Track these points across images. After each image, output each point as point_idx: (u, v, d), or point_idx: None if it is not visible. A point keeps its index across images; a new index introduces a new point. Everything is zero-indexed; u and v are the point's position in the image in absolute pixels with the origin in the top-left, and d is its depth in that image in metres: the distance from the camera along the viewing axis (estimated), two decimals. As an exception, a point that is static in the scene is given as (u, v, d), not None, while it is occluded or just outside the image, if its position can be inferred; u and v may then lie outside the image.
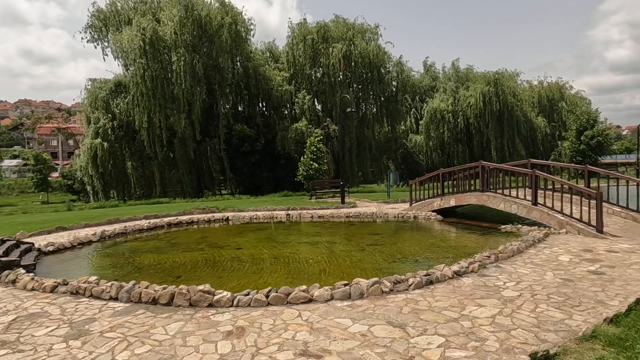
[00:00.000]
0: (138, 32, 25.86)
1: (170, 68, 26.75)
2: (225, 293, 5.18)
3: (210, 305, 5.08)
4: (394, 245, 9.60)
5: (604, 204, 10.86)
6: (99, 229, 11.57)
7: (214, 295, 5.17)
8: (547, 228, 9.90)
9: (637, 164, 34.48)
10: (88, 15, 28.74)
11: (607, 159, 39.81)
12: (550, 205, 10.22)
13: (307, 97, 35.63)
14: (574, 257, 7.33)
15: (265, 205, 17.29)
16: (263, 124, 33.84)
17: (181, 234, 11.84)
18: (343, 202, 17.38)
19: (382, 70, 38.21)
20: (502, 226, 11.01)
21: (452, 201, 12.98)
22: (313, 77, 35.90)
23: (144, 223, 12.63)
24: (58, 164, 73.19)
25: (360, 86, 37.50)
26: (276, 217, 14.31)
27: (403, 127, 47.38)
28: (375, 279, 5.63)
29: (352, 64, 35.12)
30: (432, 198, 13.81)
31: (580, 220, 9.48)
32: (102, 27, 29.32)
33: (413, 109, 46.28)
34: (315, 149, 24.02)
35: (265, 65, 33.84)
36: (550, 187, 11.26)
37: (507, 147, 39.06)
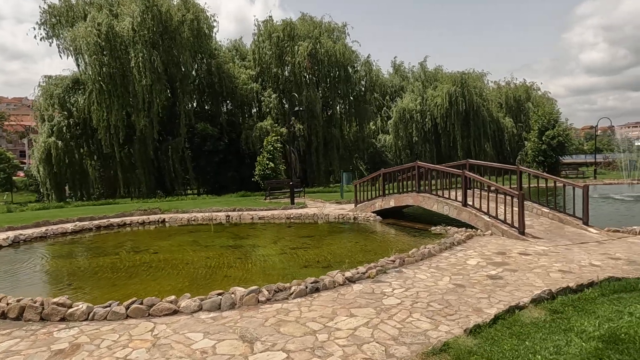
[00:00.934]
0: (93, 27, 25.05)
1: (129, 65, 25.98)
2: (81, 305, 4.82)
3: (63, 319, 4.71)
4: (319, 249, 9.35)
5: (534, 204, 10.84)
6: (15, 233, 11.00)
7: (68, 308, 4.79)
8: (474, 230, 9.80)
9: (594, 164, 35.19)
10: (40, 12, 27.74)
11: (568, 159, 40.54)
12: (479, 206, 10.12)
13: (274, 96, 35.23)
14: (482, 261, 7.18)
15: (215, 205, 16.85)
16: (227, 122, 33.29)
17: (106, 237, 11.37)
18: (292, 202, 17.09)
19: (350, 70, 38.09)
20: (433, 228, 10.88)
21: (391, 202, 12.82)
22: (280, 76, 35.48)
23: (69, 226, 12.09)
24: (25, 163, 71.00)
25: (327, 85, 37.26)
26: (215, 219, 13.92)
27: (374, 127, 47.44)
28: (254, 287, 5.34)
29: (318, 62, 34.84)
30: (374, 199, 13.63)
31: (504, 221, 9.39)
32: (56, 23, 28.31)
33: (385, 108, 46.26)
34: (271, 149, 23.68)
35: (230, 63, 33.28)
36: (486, 188, 11.18)
37: (473, 147, 39.41)
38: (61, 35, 27.62)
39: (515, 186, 11.50)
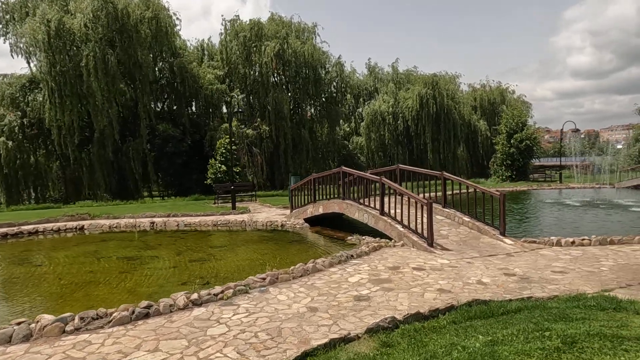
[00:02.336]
0: (42, 23, 24.16)
1: (82, 63, 25.13)
2: None
3: None
4: (219, 261, 8.74)
5: (457, 213, 10.35)
6: None
7: None
8: (386, 240, 9.26)
9: (559, 167, 35.05)
10: (-8, 8, 26.78)
11: (537, 162, 40.42)
12: (398, 215, 9.58)
13: (240, 96, 34.59)
14: (367, 277, 6.63)
15: (161, 210, 16.18)
16: (191, 123, 32.56)
17: (4, 247, 10.62)
18: (234, 207, 16.45)
19: (321, 71, 37.59)
20: (349, 237, 10.34)
21: (320, 209, 12.25)
22: (248, 76, 34.80)
23: (-31, 234, 11.33)
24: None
25: (296, 86, 36.71)
26: (140, 226, 13.23)
27: (348, 129, 47.04)
28: (67, 315, 4.71)
29: (286, 63, 34.27)
30: (306, 205, 13.06)
31: (416, 232, 8.87)
32: (9, 20, 27.36)
33: (358, 110, 45.83)
34: (224, 151, 22.97)
35: (193, 62, 32.49)
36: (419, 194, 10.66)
37: (443, 150, 39.10)
38: (12, 33, 26.69)
39: (455, 192, 11.00)
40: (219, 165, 22.84)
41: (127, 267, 8.34)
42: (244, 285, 5.95)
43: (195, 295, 5.45)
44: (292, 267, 6.85)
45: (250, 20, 34.77)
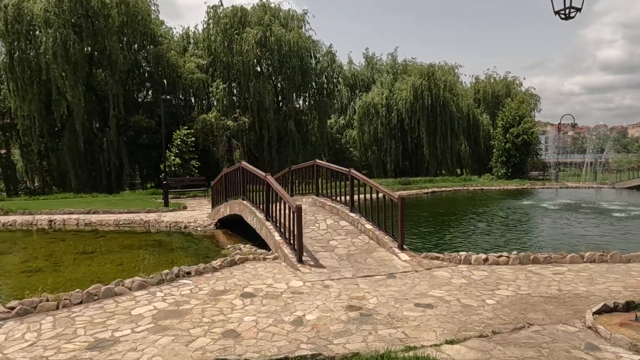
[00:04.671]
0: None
1: (42, 50, 24.12)
2: None
3: None
4: (56, 273, 7.32)
5: (361, 219, 8.66)
6: None
7: None
8: (260, 251, 7.68)
9: (557, 164, 32.42)
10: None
11: (547, 160, 37.79)
12: (281, 220, 7.95)
13: (221, 86, 33.20)
14: (161, 307, 5.09)
15: (91, 205, 14.95)
16: (169, 114, 31.30)
17: None
18: (166, 204, 15.08)
19: (311, 60, 35.87)
20: (229, 246, 8.76)
21: (228, 209, 10.71)
22: (231, 65, 33.32)
23: None
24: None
25: (282, 76, 35.07)
26: (38, 224, 11.96)
27: (343, 121, 45.25)
28: None
29: (269, 51, 32.67)
30: (220, 205, 11.54)
31: (290, 243, 7.24)
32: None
33: (353, 102, 43.91)
34: (180, 143, 21.60)
35: (172, 51, 31.18)
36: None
37: (439, 144, 36.94)
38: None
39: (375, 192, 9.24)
40: (173, 158, 21.48)
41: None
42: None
43: None
44: (72, 292, 5.34)
45: (232, 6, 33.22)
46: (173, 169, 21.27)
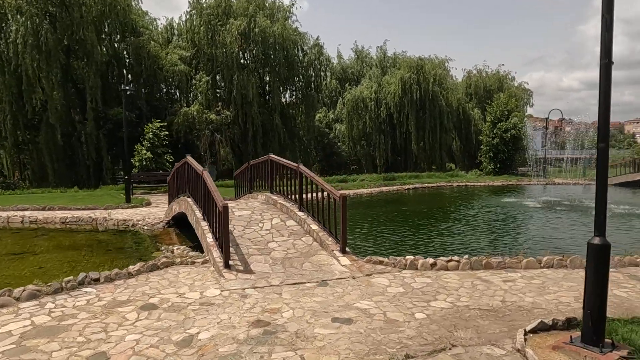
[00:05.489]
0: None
1: (14, 38, 23.34)
2: None
3: None
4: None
5: (307, 219, 8.03)
6: None
7: None
8: (190, 253, 7.05)
9: (544, 161, 31.75)
10: None
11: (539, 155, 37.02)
12: (214, 220, 7.29)
13: (204, 79, 32.47)
14: (31, 329, 4.44)
15: (53, 201, 14.32)
16: (150, 107, 30.58)
17: None
18: (127, 200, 14.42)
19: (298, 53, 35.15)
20: (175, 247, 8.12)
21: (177, 207, 10.06)
22: (214, 57, 32.54)
23: None
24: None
25: (267, 69, 34.32)
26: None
27: (332, 116, 44.55)
28: None
29: (253, 43, 31.91)
30: (173, 201, 10.89)
31: (220, 246, 6.60)
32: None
33: (341, 96, 43.17)
34: (152, 137, 20.91)
35: (152, 42, 30.37)
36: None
37: (428, 140, 36.28)
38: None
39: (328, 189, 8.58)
40: (145, 151, 20.79)
41: None
42: None
43: None
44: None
45: (216, -4, 32.40)
46: (145, 163, 20.57)
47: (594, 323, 3.62)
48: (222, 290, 5.52)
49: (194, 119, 30.40)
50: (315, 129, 38.49)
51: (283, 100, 36.04)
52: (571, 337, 3.82)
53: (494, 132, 29.81)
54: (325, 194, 7.33)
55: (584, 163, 26.47)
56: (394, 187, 21.56)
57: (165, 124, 23.98)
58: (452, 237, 9.87)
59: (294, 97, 37.45)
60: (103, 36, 28.88)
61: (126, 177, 15.36)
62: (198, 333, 4.24)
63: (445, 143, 38.34)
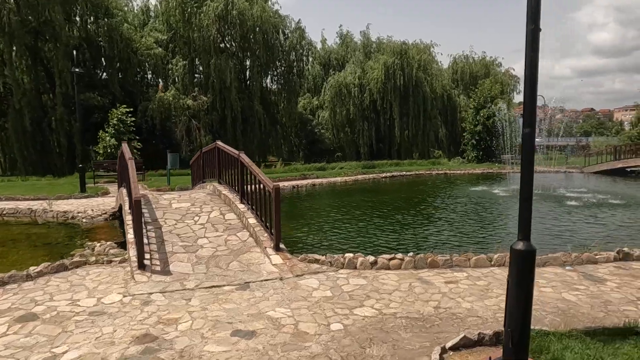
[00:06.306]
0: None
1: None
2: None
3: None
4: None
5: (246, 212, 7.37)
6: None
7: None
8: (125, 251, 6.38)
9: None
10: None
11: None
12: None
13: (181, 63, 31.51)
14: None
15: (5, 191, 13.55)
16: (124, 92, 29.53)
17: None
18: (82, 190, 13.65)
19: (279, 36, 34.25)
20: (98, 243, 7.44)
21: (119, 198, 9.36)
22: (191, 41, 31.45)
23: None
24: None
25: (246, 53, 33.36)
26: None
27: (316, 102, 43.60)
28: None
29: (231, 26, 30.90)
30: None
31: (140, 243, 5.93)
32: None
33: (325, 82, 42.24)
34: (116, 123, 20.04)
35: (125, 25, 29.18)
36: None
37: (411, 126, 35.65)
38: None
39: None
40: (109, 138, 19.94)
41: None
42: None
43: None
44: None
45: (192, -23, 31.16)
46: (109, 150, 19.73)
47: (515, 344, 3.04)
48: (124, 296, 4.88)
49: (169, 105, 29.46)
50: (297, 116, 37.70)
51: (264, 86, 35.09)
52: (490, 358, 3.24)
53: (477, 119, 29.26)
54: (262, 185, 6.67)
55: (567, 151, 26.02)
56: (371, 176, 20.96)
57: (132, 109, 23.02)
58: (408, 230, 9.30)
59: (275, 82, 36.61)
60: (74, 17, 27.69)
61: (80, 165, 14.59)
62: (65, 352, 3.61)
63: (431, 130, 37.73)
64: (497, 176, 21.04)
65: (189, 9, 30.49)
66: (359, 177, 20.63)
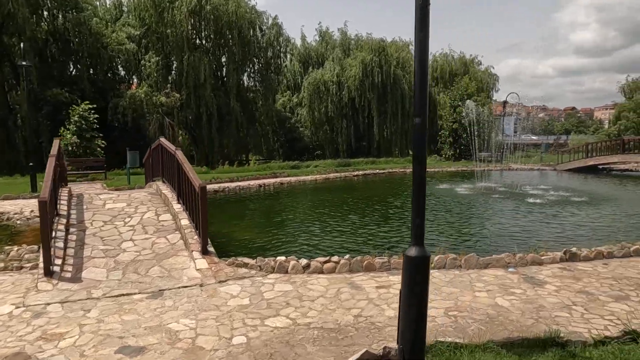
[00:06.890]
0: None
1: None
2: None
3: None
4: None
5: (181, 213, 6.94)
6: None
7: None
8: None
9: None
10: None
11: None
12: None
13: (153, 59, 30.73)
14: None
15: None
16: (94, 88, 28.68)
17: None
18: (33, 189, 13.04)
19: (256, 32, 33.66)
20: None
21: (57, 198, 8.84)
22: (165, 37, 30.71)
23: None
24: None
25: (221, 50, 32.74)
26: None
27: (296, 99, 43.12)
28: None
29: (205, 21, 30.28)
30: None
31: (53, 247, 5.47)
32: None
33: (304, 79, 41.78)
34: (78, 119, 19.35)
35: (94, 19, 28.32)
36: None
37: (389, 125, 35.43)
38: None
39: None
40: (70, 135, 19.23)
41: None
42: None
43: None
44: None
45: (165, -28, 30.41)
46: (70, 148, 19.01)
47: (407, 363, 2.69)
48: (17, 307, 4.42)
49: (142, 102, 28.68)
50: (276, 113, 37.19)
51: (241, 83, 34.50)
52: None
53: (454, 116, 29.14)
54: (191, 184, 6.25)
55: (542, 148, 26.07)
56: (343, 174, 20.60)
57: (103, 105, 22.31)
58: (363, 230, 8.96)
59: (252, 79, 36.04)
60: (42, 11, 26.81)
61: (31, 163, 13.94)
62: None
63: (410, 128, 37.52)
64: (470, 174, 20.88)
65: (162, 4, 29.76)
66: (331, 175, 20.26)
